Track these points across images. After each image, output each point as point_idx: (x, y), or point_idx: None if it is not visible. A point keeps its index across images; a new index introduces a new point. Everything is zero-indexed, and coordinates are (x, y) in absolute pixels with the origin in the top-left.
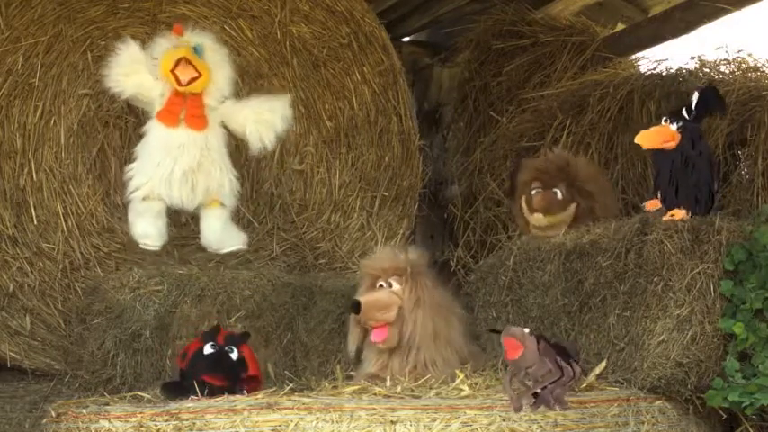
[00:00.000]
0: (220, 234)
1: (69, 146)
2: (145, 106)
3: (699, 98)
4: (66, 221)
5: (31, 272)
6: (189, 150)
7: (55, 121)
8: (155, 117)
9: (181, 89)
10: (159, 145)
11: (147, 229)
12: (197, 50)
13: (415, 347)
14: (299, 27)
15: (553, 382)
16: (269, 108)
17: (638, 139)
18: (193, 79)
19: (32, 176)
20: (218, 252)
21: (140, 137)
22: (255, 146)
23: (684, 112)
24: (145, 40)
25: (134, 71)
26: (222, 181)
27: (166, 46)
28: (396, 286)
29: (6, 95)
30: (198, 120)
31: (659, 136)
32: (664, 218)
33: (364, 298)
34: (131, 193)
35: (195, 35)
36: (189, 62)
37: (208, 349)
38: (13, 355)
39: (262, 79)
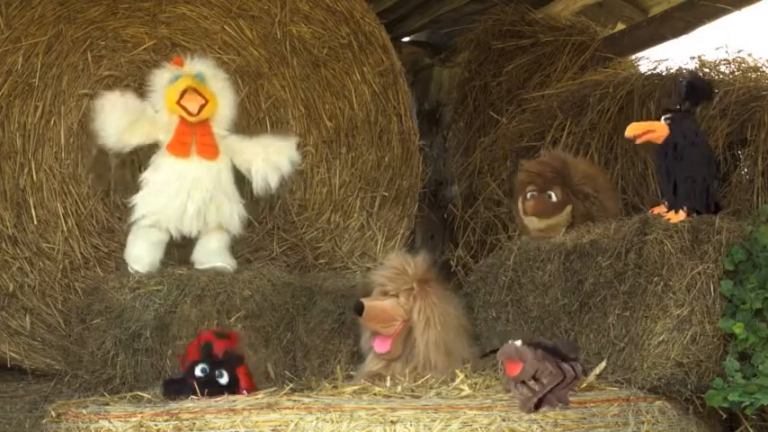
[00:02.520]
0: (212, 253)
1: (69, 146)
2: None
3: (686, 88)
4: (66, 221)
5: (31, 272)
6: (203, 183)
7: (55, 121)
8: (165, 149)
9: (192, 119)
10: (173, 177)
11: (141, 254)
12: (199, 77)
13: (430, 367)
14: (299, 27)
15: (556, 386)
16: (276, 149)
17: (626, 131)
18: (202, 106)
19: (32, 176)
20: (200, 266)
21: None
22: (260, 185)
23: (675, 105)
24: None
25: (130, 122)
26: (232, 211)
27: (167, 77)
28: (403, 299)
29: (6, 95)
30: (210, 148)
31: (644, 126)
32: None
33: (369, 303)
34: (137, 219)
35: (195, 64)
36: (195, 90)
37: (198, 372)
38: (13, 355)
39: (262, 79)
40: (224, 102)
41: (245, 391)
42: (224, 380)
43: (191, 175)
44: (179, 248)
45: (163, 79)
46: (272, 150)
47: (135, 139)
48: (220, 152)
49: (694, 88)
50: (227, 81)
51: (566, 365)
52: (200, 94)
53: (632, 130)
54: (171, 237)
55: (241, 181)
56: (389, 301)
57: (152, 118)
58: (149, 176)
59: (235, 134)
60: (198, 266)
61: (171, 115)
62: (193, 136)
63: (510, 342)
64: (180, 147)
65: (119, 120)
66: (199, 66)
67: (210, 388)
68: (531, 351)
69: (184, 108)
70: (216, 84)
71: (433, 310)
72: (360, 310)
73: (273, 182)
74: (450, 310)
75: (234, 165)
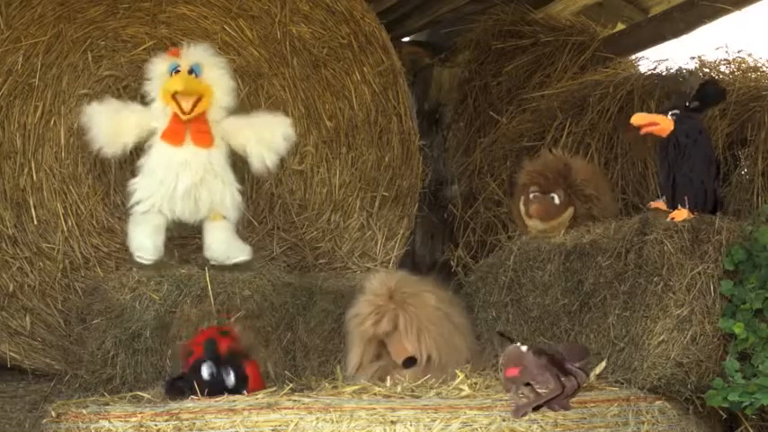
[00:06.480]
0: (225, 246)
1: (69, 146)
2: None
3: (697, 90)
4: (66, 221)
5: (31, 272)
6: (192, 166)
7: (55, 121)
8: (159, 136)
9: (185, 117)
10: (163, 162)
11: (144, 241)
12: (194, 70)
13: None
14: (299, 27)
15: (554, 398)
16: (269, 129)
17: (632, 119)
18: (196, 103)
19: (32, 176)
20: (223, 264)
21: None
22: (257, 167)
23: (685, 103)
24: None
25: (117, 122)
26: (224, 195)
27: (164, 67)
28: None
29: (6, 95)
30: (204, 135)
31: (650, 118)
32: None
33: (411, 351)
34: (133, 206)
35: (191, 54)
36: (186, 91)
37: (205, 372)
38: (13, 355)
39: (262, 79)
40: (219, 90)
41: (245, 391)
42: (231, 378)
43: (180, 158)
44: (179, 248)
45: (160, 69)
46: (265, 131)
47: (129, 135)
48: (215, 138)
49: (706, 90)
50: (224, 68)
51: (568, 375)
52: (194, 91)
53: (638, 119)
54: (169, 222)
55: (240, 168)
56: (398, 339)
57: (139, 110)
58: (143, 162)
59: (230, 117)
60: (220, 262)
61: (166, 105)
62: (188, 124)
63: (516, 345)
64: (174, 135)
65: (105, 125)
66: (195, 56)
67: (216, 390)
68: (534, 357)
69: (178, 105)
70: (212, 71)
71: (424, 344)
72: (413, 361)
73: (270, 162)
74: (442, 314)
75: (231, 148)
